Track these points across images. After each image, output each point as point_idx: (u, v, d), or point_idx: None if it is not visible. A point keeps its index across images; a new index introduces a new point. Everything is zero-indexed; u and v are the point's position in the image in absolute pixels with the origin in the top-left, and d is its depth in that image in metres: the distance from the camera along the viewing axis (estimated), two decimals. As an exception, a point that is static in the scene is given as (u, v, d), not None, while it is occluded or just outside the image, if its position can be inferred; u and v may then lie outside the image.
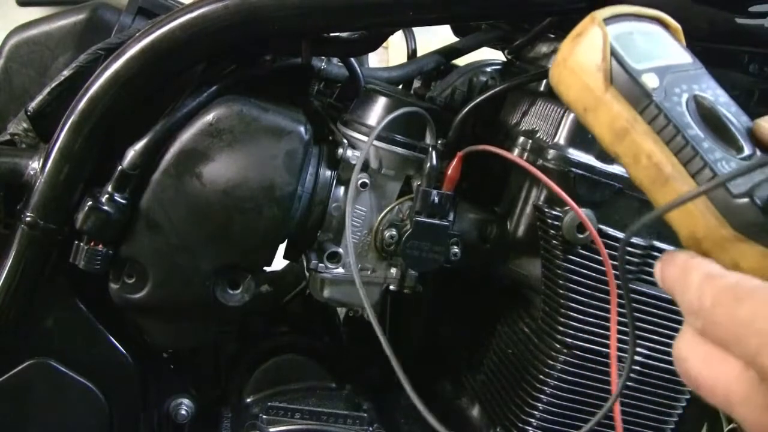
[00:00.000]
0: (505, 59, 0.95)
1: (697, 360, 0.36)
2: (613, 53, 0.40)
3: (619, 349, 0.60)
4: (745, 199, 0.35)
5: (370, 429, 0.81)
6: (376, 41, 0.78)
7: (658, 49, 0.42)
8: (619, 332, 0.59)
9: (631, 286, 0.71)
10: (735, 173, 0.35)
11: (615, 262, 0.67)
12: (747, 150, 0.38)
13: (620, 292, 0.63)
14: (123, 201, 0.65)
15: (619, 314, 0.66)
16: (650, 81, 0.40)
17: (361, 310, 0.80)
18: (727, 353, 0.35)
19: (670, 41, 0.44)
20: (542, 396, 0.74)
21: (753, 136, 0.39)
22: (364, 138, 0.74)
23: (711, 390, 0.36)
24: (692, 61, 0.43)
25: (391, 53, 2.32)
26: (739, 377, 0.34)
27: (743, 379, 0.34)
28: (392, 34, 0.85)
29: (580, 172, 0.69)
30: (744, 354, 0.33)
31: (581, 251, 0.69)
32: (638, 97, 0.39)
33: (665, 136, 0.38)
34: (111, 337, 0.75)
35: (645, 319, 0.72)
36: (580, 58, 0.42)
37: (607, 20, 0.42)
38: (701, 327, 0.36)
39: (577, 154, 0.69)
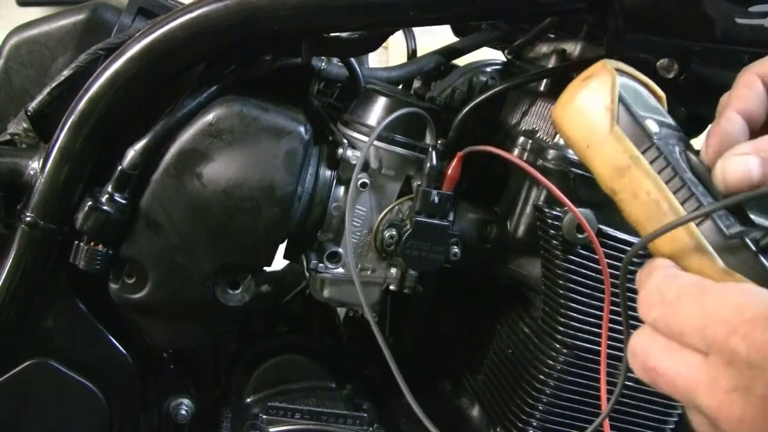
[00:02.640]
0: (505, 59, 0.95)
1: (658, 352, 0.37)
2: (621, 98, 0.44)
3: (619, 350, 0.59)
4: (738, 239, 0.39)
5: (370, 429, 0.81)
6: (376, 41, 0.78)
7: (650, 106, 0.47)
8: (616, 332, 0.59)
9: (631, 285, 0.70)
10: (726, 203, 0.39)
11: (612, 262, 0.68)
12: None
13: (614, 297, 0.64)
14: (123, 201, 0.65)
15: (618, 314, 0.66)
16: (652, 126, 0.44)
17: (361, 310, 0.80)
18: (684, 345, 0.36)
19: (657, 105, 0.48)
20: (542, 396, 0.74)
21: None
22: (364, 138, 0.74)
23: (672, 380, 0.37)
24: (674, 124, 0.47)
25: (391, 53, 2.32)
26: (702, 364, 0.35)
27: (706, 366, 0.35)
28: (392, 34, 0.85)
29: (580, 172, 0.69)
30: (711, 341, 0.34)
31: (581, 251, 0.69)
32: (641, 138, 0.43)
33: (664, 176, 0.42)
34: (111, 337, 0.75)
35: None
36: (589, 98, 0.45)
37: (616, 70, 0.46)
38: (661, 321, 0.37)
39: (577, 154, 0.69)
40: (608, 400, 0.55)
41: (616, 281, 0.66)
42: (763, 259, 0.39)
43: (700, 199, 0.41)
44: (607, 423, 0.57)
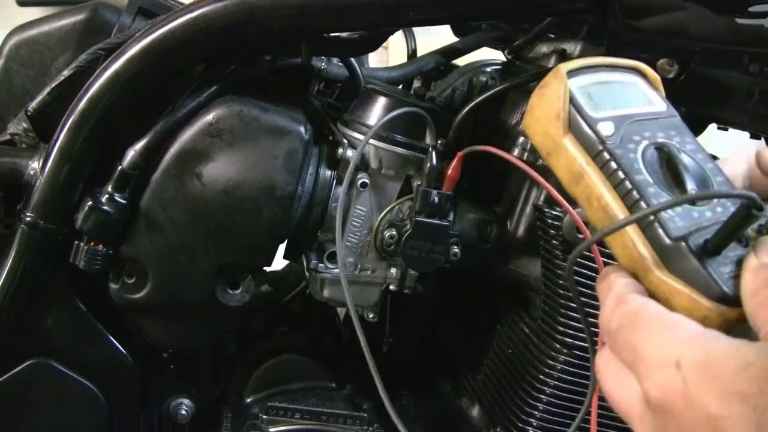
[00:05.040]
0: (505, 59, 0.95)
1: (609, 375, 0.39)
2: (572, 102, 0.44)
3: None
4: (681, 243, 0.38)
5: (370, 429, 0.81)
6: (376, 41, 0.78)
7: (625, 98, 0.46)
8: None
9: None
10: (661, 207, 0.38)
11: (611, 261, 0.68)
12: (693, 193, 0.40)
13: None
14: (123, 201, 0.65)
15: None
16: (605, 129, 0.43)
17: (361, 309, 0.80)
18: (630, 373, 0.37)
19: (644, 90, 0.47)
20: (542, 396, 0.74)
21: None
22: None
23: (616, 404, 0.38)
24: (665, 109, 0.46)
25: (391, 53, 2.32)
26: (638, 397, 0.36)
27: (640, 399, 0.36)
28: (392, 34, 0.85)
29: (580, 172, 0.69)
30: (636, 376, 0.36)
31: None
32: (592, 144, 0.43)
33: (613, 181, 0.41)
34: (111, 337, 0.75)
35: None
36: (544, 107, 0.45)
37: (573, 72, 0.45)
38: (610, 346, 0.39)
39: (577, 154, 0.69)
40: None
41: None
42: (702, 265, 0.37)
43: (650, 201, 0.40)
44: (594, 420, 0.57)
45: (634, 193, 0.40)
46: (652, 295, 0.39)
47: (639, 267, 0.40)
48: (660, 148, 0.42)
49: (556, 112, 0.44)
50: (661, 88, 0.48)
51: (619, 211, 0.40)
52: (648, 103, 0.46)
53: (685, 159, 0.42)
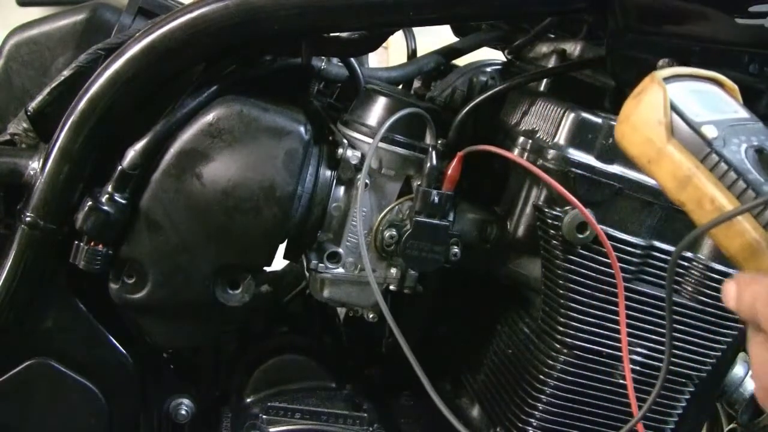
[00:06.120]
0: (505, 59, 0.95)
1: None
2: (673, 108, 0.44)
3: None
4: None
5: (370, 429, 0.81)
6: (376, 41, 0.78)
7: (715, 105, 0.46)
8: (618, 332, 0.59)
9: (630, 285, 0.71)
10: None
11: (620, 264, 0.68)
12: None
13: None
14: (123, 201, 0.65)
15: (618, 314, 0.66)
16: (709, 132, 0.43)
17: (361, 310, 0.80)
18: None
19: (726, 99, 0.47)
20: (542, 396, 0.74)
21: None
22: (364, 138, 0.74)
23: None
24: (749, 116, 0.46)
25: (391, 53, 2.32)
26: None
27: None
28: (392, 34, 0.85)
29: (580, 172, 0.69)
30: None
31: (581, 251, 0.69)
32: (699, 147, 0.43)
33: (726, 181, 0.42)
34: (111, 337, 0.75)
35: (645, 319, 0.72)
36: (642, 114, 0.45)
37: (667, 79, 0.45)
38: None
39: (577, 154, 0.69)
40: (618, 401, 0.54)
41: (622, 278, 0.66)
42: None
43: (766, 197, 0.40)
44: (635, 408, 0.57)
45: (750, 191, 0.41)
46: None
47: (759, 258, 0.40)
48: (760, 150, 0.43)
49: (657, 119, 0.44)
50: (740, 97, 0.48)
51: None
52: (734, 110, 0.47)
53: None
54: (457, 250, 0.76)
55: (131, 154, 0.65)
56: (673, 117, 0.44)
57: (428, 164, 0.72)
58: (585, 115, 0.70)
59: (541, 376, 0.74)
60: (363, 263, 0.75)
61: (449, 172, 0.72)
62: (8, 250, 0.65)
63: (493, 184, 0.80)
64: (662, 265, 0.72)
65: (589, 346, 0.72)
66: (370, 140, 0.73)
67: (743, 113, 0.46)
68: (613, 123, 0.68)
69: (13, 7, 0.99)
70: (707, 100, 0.46)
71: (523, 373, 0.76)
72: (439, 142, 0.73)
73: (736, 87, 0.48)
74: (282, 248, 0.77)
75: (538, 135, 0.74)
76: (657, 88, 0.45)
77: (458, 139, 0.76)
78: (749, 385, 0.90)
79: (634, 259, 0.71)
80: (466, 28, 0.98)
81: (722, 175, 0.42)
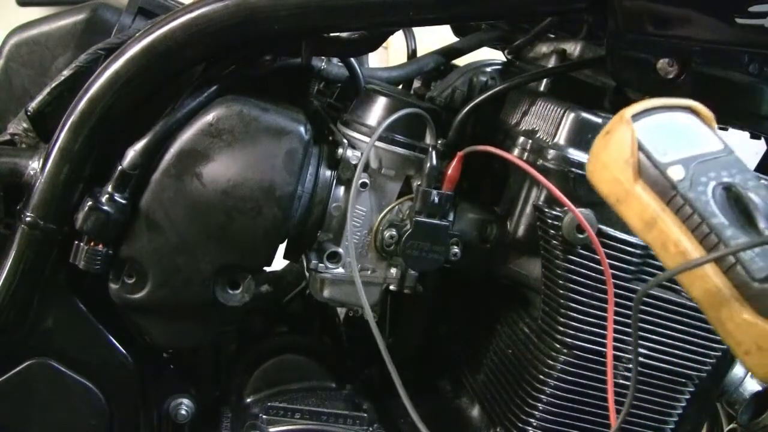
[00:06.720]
0: (505, 59, 0.95)
1: None
2: (641, 148, 0.44)
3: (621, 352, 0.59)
4: (766, 285, 0.38)
5: (370, 429, 0.81)
6: (376, 41, 0.78)
7: (687, 140, 0.45)
8: (617, 332, 0.59)
9: (630, 285, 0.71)
10: (743, 246, 0.38)
11: (613, 262, 0.68)
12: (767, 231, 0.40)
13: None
14: (123, 201, 0.65)
15: (617, 314, 0.66)
16: (676, 173, 0.43)
17: (361, 310, 0.80)
18: None
19: (700, 130, 0.46)
20: (542, 396, 0.74)
21: None
22: (364, 138, 0.74)
23: None
24: (723, 147, 0.45)
25: (391, 53, 2.32)
26: None
27: None
28: (392, 34, 0.85)
29: (580, 172, 0.69)
30: None
31: (581, 251, 0.69)
32: (665, 189, 0.43)
33: (690, 225, 0.41)
34: (111, 337, 0.75)
35: (645, 319, 0.72)
36: (611, 154, 0.45)
37: (636, 116, 0.45)
38: None
39: (577, 154, 0.69)
40: (614, 400, 0.54)
41: (617, 281, 0.66)
42: None
43: (729, 243, 0.40)
44: (613, 418, 0.57)
45: (713, 236, 0.40)
46: (731, 335, 0.39)
47: (720, 306, 0.40)
48: (728, 188, 0.43)
49: (624, 159, 0.44)
50: (714, 125, 0.48)
51: (699, 255, 0.41)
52: (707, 143, 0.46)
53: (753, 197, 0.42)
54: (457, 250, 0.76)
55: (131, 154, 0.65)
56: (641, 157, 0.44)
57: (428, 164, 0.72)
58: (585, 115, 0.70)
59: (541, 376, 0.74)
60: (361, 261, 0.76)
61: (449, 172, 0.73)
62: (8, 250, 0.65)
63: (493, 184, 0.80)
64: (662, 265, 0.72)
65: (589, 346, 0.72)
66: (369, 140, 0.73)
67: (716, 144, 0.46)
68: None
69: (13, 7, 0.99)
70: (678, 135, 0.46)
71: (523, 373, 0.76)
72: (439, 142, 0.74)
73: (711, 115, 0.48)
74: (282, 248, 0.77)
75: (538, 135, 0.74)
76: (625, 127, 0.44)
77: (458, 139, 0.76)
78: (749, 385, 0.90)
79: (634, 259, 0.71)
80: (466, 28, 0.98)
81: (687, 218, 0.42)
